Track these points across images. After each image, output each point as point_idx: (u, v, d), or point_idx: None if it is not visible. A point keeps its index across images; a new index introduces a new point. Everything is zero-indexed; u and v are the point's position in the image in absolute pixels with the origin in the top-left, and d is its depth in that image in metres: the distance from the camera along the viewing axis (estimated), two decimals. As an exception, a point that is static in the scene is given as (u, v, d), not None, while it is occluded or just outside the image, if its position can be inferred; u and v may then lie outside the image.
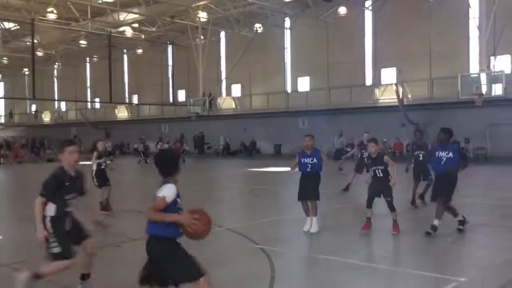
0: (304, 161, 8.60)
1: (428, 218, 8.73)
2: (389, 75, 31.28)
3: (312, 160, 8.54)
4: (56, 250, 4.68)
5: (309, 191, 8.55)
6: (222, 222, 10.06)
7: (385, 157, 8.40)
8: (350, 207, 11.75)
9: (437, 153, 8.41)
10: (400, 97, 28.41)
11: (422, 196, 11.32)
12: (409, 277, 6.00)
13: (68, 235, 4.82)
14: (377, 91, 31.29)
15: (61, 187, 4.76)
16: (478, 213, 11.18)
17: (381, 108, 30.11)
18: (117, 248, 7.64)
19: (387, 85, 30.48)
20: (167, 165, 4.25)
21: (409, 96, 29.41)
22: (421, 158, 11.23)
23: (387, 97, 30.03)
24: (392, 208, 8.28)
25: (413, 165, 11.38)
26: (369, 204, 8.41)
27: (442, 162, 8.26)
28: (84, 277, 5.11)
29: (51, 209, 4.73)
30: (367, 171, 8.94)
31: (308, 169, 8.57)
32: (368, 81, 32.85)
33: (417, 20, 28.91)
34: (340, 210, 11.35)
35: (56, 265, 4.73)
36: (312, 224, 8.50)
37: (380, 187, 8.31)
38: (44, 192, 4.71)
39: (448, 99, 26.42)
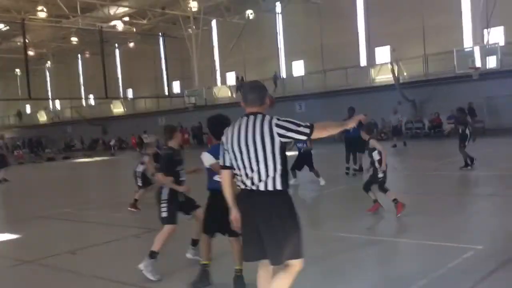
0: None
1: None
2: (383, 54, 31.30)
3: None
4: (164, 215, 5.57)
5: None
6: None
7: (371, 141, 8.16)
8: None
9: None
10: (396, 75, 28.46)
11: None
12: (428, 248, 6.13)
13: (179, 205, 5.69)
14: (372, 71, 31.34)
15: (172, 162, 5.68)
16: (484, 184, 11.40)
17: (377, 87, 30.16)
18: (137, 238, 7.77)
19: (382, 65, 30.53)
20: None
21: (405, 74, 29.47)
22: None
23: (382, 76, 30.10)
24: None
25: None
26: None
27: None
28: (195, 242, 5.83)
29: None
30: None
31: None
32: (363, 61, 32.88)
33: (408, -3, 28.89)
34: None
35: (161, 236, 5.55)
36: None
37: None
38: (162, 168, 5.68)
39: (444, 75, 26.50)
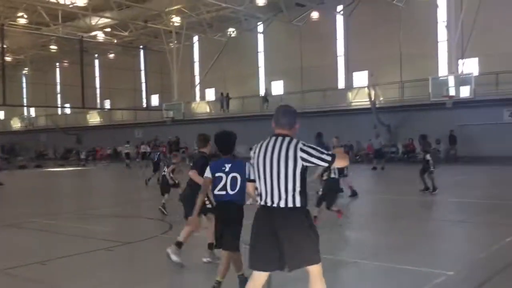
0: None
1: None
2: (361, 78, 31.88)
3: None
4: (210, 206, 5.98)
5: None
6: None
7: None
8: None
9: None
10: (372, 99, 28.98)
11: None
12: (401, 273, 6.21)
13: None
14: (349, 94, 31.87)
15: (205, 166, 5.71)
16: (454, 210, 11.64)
17: (354, 110, 30.65)
18: (110, 251, 7.66)
19: (360, 88, 31.08)
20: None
21: (381, 98, 30.05)
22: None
23: (359, 99, 30.62)
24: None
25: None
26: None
27: None
28: (211, 246, 6.16)
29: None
30: None
31: None
32: (341, 84, 33.40)
33: (387, 24, 29.57)
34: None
35: (210, 228, 5.92)
36: None
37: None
38: (195, 167, 6.07)
39: (418, 101, 27.11)
